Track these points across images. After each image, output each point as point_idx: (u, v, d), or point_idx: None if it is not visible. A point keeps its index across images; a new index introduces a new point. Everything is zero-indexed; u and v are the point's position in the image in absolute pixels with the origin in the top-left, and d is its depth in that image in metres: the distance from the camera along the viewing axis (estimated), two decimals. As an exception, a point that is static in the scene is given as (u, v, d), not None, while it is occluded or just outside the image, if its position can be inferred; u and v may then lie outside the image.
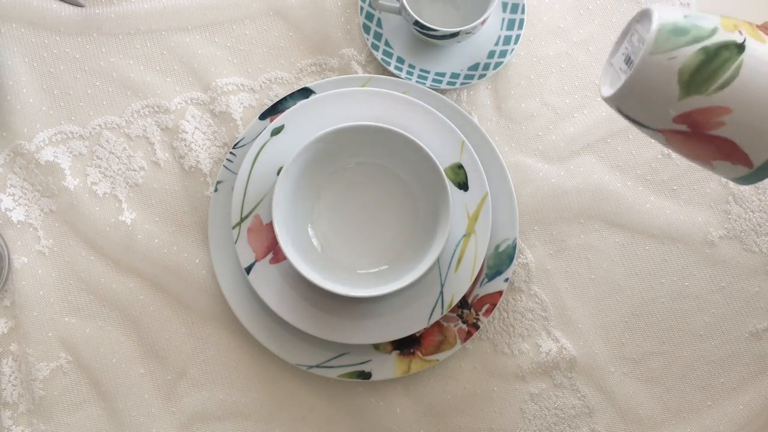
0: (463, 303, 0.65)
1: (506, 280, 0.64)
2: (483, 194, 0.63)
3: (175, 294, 0.66)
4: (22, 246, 0.66)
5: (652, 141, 0.62)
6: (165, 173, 0.67)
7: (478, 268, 0.63)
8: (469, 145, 0.64)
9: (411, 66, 0.68)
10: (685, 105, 0.45)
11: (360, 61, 0.68)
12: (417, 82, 0.67)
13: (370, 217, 0.65)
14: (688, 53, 0.44)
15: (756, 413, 0.65)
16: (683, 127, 0.46)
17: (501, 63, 0.67)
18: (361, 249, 0.65)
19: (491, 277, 0.65)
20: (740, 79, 0.44)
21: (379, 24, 0.68)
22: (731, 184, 0.67)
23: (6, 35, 0.67)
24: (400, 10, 0.64)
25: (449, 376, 0.66)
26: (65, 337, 0.65)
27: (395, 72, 0.67)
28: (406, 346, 0.65)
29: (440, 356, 0.64)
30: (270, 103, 0.67)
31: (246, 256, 0.63)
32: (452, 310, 0.65)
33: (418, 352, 0.64)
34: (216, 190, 0.65)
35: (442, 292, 0.63)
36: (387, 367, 0.64)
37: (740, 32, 0.45)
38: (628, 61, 0.48)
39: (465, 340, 0.64)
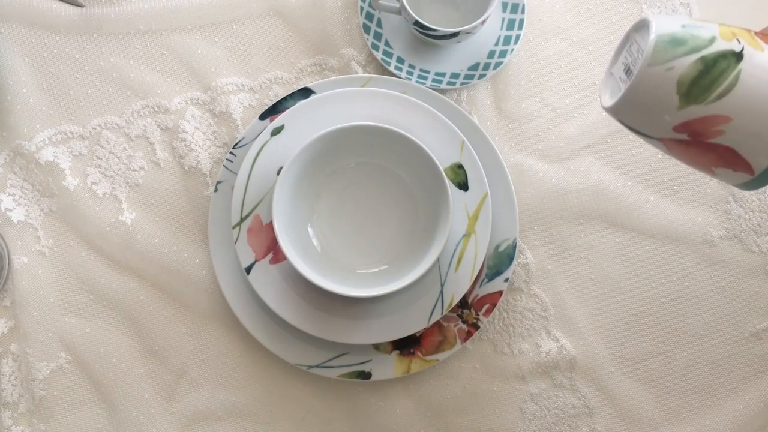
0: (463, 303, 0.65)
1: (506, 280, 0.64)
2: (483, 194, 0.63)
3: (175, 294, 0.66)
4: (22, 246, 0.66)
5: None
6: (165, 173, 0.67)
7: (478, 268, 0.63)
8: (469, 145, 0.64)
9: (411, 66, 0.68)
10: (684, 115, 0.45)
11: (360, 61, 0.68)
12: (417, 82, 0.67)
13: (370, 217, 0.65)
14: (686, 63, 0.44)
15: (756, 413, 0.65)
16: (683, 136, 0.46)
17: (501, 63, 0.67)
18: (361, 249, 0.65)
19: (491, 277, 0.65)
20: (739, 88, 0.44)
21: (379, 24, 0.68)
22: (731, 184, 0.67)
23: (6, 35, 0.67)
24: (400, 10, 0.64)
25: (449, 376, 0.66)
26: (65, 337, 0.65)
27: (395, 72, 0.67)
28: (406, 346, 0.65)
29: (440, 356, 0.64)
30: (270, 103, 0.67)
31: (246, 256, 0.63)
32: (452, 310, 0.65)
33: (418, 352, 0.64)
34: (216, 190, 0.65)
35: (442, 292, 0.63)
36: (387, 367, 0.64)
37: (738, 41, 0.45)
38: (628, 71, 0.48)
39: (465, 340, 0.64)
